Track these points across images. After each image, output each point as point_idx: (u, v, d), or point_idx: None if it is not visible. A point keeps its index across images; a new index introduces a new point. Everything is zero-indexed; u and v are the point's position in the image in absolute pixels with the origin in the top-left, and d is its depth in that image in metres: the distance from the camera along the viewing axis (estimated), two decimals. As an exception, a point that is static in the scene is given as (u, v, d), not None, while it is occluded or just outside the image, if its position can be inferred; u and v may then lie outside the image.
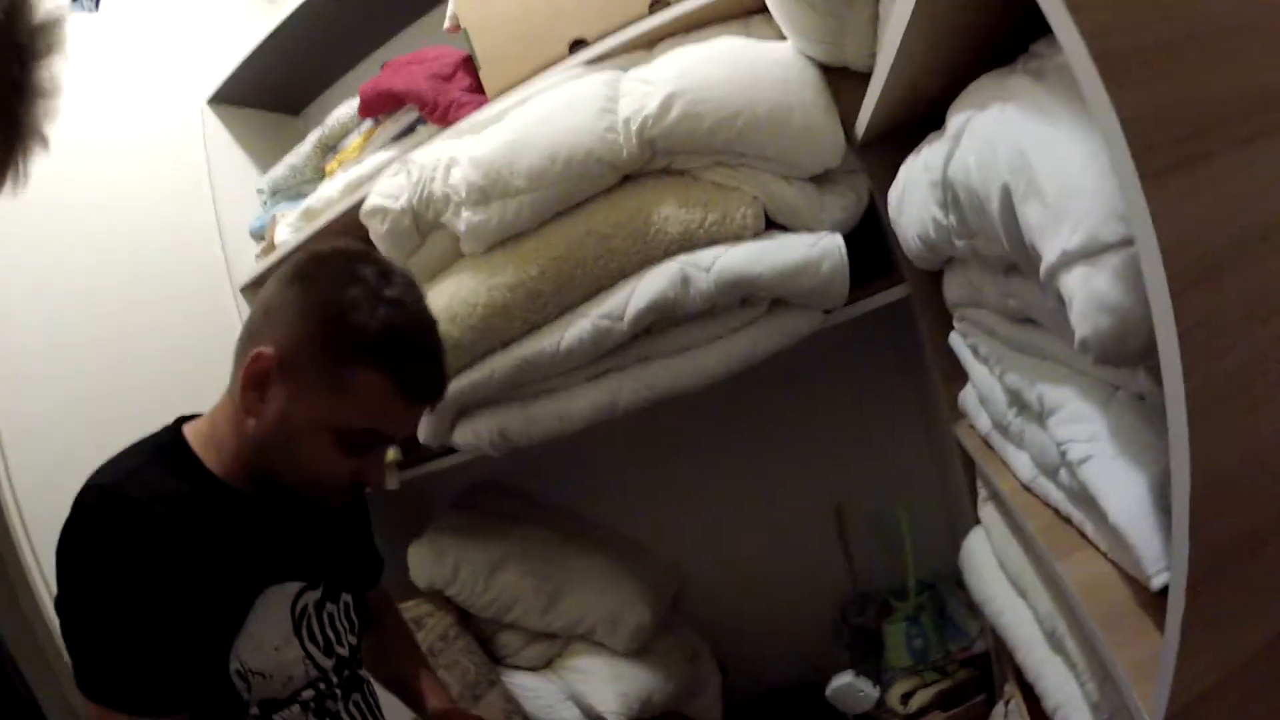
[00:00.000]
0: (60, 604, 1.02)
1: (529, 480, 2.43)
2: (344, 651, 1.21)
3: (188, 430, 1.14)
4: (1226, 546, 0.57)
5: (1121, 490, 0.76)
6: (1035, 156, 0.70)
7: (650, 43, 1.69)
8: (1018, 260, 0.83)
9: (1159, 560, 0.71)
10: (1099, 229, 0.62)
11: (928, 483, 2.11)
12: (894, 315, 1.69)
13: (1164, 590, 0.65)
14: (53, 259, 1.86)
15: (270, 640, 1.09)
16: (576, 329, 1.57)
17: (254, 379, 1.06)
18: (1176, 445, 0.52)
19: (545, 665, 2.09)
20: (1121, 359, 0.63)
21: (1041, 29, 0.58)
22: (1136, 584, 0.79)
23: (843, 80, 1.52)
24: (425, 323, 1.14)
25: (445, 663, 2.04)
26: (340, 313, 1.05)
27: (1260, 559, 0.59)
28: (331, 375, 1.05)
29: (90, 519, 1.01)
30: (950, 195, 0.91)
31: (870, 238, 1.60)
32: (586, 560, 2.12)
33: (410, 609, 1.99)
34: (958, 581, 2.05)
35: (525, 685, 2.00)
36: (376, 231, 1.72)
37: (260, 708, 1.10)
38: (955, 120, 0.91)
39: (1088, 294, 0.62)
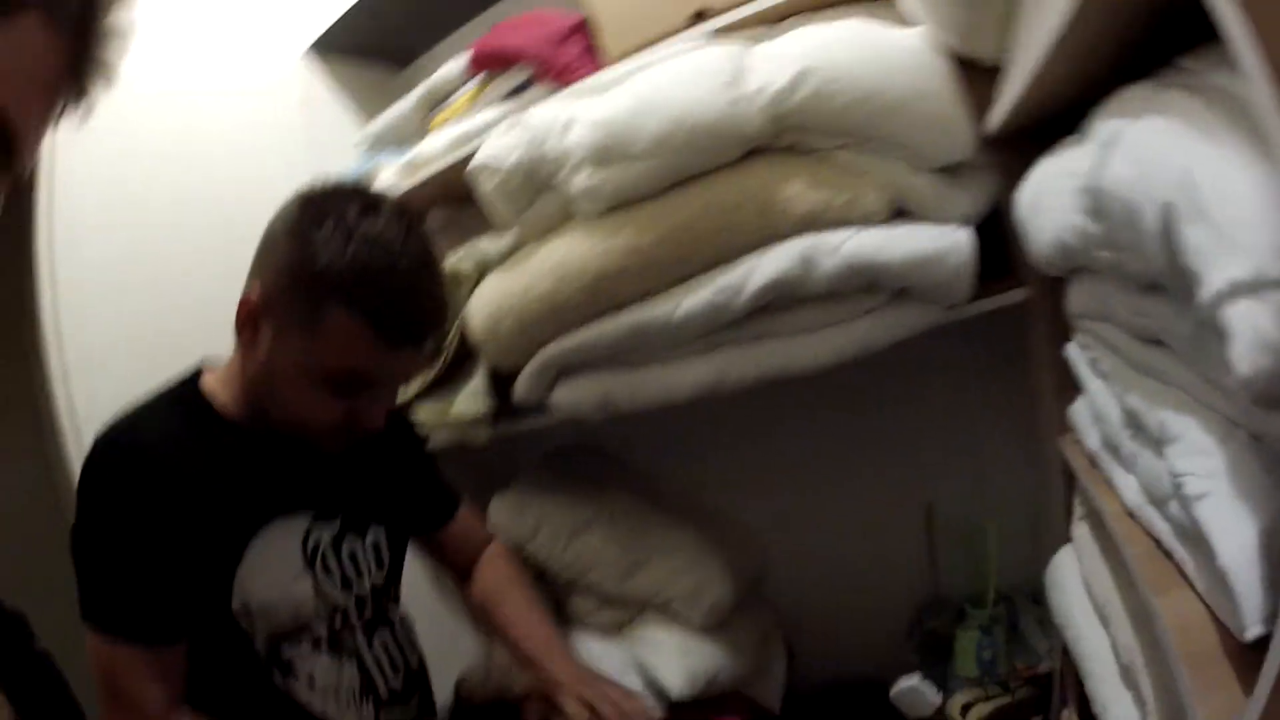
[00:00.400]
0: (74, 536, 1.06)
1: (619, 445, 2.42)
2: (365, 589, 1.21)
3: (208, 373, 1.17)
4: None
5: (1234, 533, 0.73)
6: (1202, 177, 0.66)
7: (776, 19, 1.66)
8: (1163, 280, 0.80)
9: (1258, 611, 0.68)
10: (1268, 263, 0.59)
11: (1020, 493, 2.04)
12: (1006, 319, 1.64)
13: (1256, 643, 0.64)
14: (138, 199, 1.91)
15: (276, 574, 1.10)
16: (692, 300, 1.55)
17: (243, 321, 1.08)
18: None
19: (615, 631, 2.08)
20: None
21: (1183, 43, 0.55)
22: (1228, 633, 0.76)
23: (970, 73, 1.48)
24: (407, 261, 1.07)
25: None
26: (311, 252, 1.03)
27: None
28: (305, 317, 1.04)
29: (102, 459, 1.05)
30: (1098, 204, 0.88)
31: (988, 237, 1.55)
32: (673, 530, 2.10)
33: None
34: (1033, 598, 2.01)
35: (592, 650, 2.00)
36: (484, 188, 1.72)
37: (268, 642, 1.11)
38: (1104, 128, 0.87)
39: (1252, 331, 0.59)
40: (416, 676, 1.33)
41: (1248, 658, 0.71)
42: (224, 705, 1.13)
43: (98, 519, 1.04)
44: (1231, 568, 0.71)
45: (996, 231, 1.52)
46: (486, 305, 1.76)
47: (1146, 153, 0.77)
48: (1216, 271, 0.63)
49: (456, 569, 1.50)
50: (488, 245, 1.85)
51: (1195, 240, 0.67)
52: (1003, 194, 1.48)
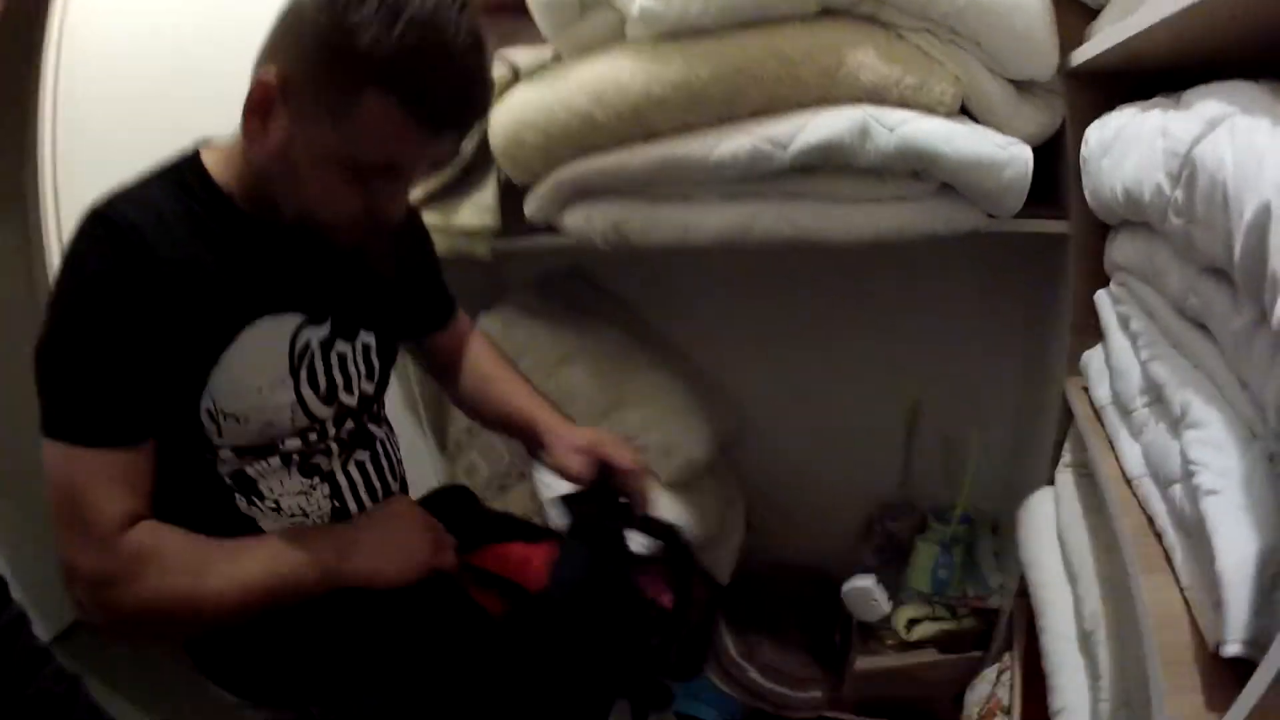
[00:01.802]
0: (44, 328, 0.96)
1: (616, 279, 2.35)
2: (351, 400, 1.14)
3: (207, 152, 1.06)
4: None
5: (1237, 541, 0.72)
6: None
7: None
8: (1230, 270, 0.76)
9: (1241, 630, 0.67)
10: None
11: (1008, 420, 2.05)
12: (1033, 245, 1.61)
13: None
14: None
15: (255, 380, 1.02)
16: (734, 143, 1.49)
17: (255, 106, 0.96)
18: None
19: (578, 472, 2.08)
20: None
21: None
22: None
23: (1064, 5, 1.42)
24: (460, 43, 0.96)
25: (480, 446, 2.04)
26: (350, 32, 0.91)
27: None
28: (338, 103, 0.93)
29: (83, 233, 0.96)
30: (1189, 174, 0.84)
31: (1041, 163, 1.48)
32: (656, 378, 2.06)
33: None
34: (993, 527, 2.03)
35: (554, 487, 1.99)
36: (533, -3, 1.62)
37: (234, 459, 1.05)
38: (1209, 106, 0.84)
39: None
40: None
41: (1220, 666, 0.71)
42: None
43: (64, 304, 0.95)
44: (1228, 576, 0.70)
45: (1046, 160, 1.48)
46: (512, 116, 1.67)
47: (1255, 146, 0.74)
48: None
49: (446, 373, 1.46)
50: (522, 55, 1.75)
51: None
52: (1072, 127, 1.45)
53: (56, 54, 1.60)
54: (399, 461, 1.27)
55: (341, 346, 1.12)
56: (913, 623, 1.80)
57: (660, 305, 2.32)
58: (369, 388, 1.17)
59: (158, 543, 0.96)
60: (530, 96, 1.64)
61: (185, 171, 1.04)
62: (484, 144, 1.76)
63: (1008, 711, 1.48)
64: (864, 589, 1.84)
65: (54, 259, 1.58)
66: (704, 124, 1.53)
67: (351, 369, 1.14)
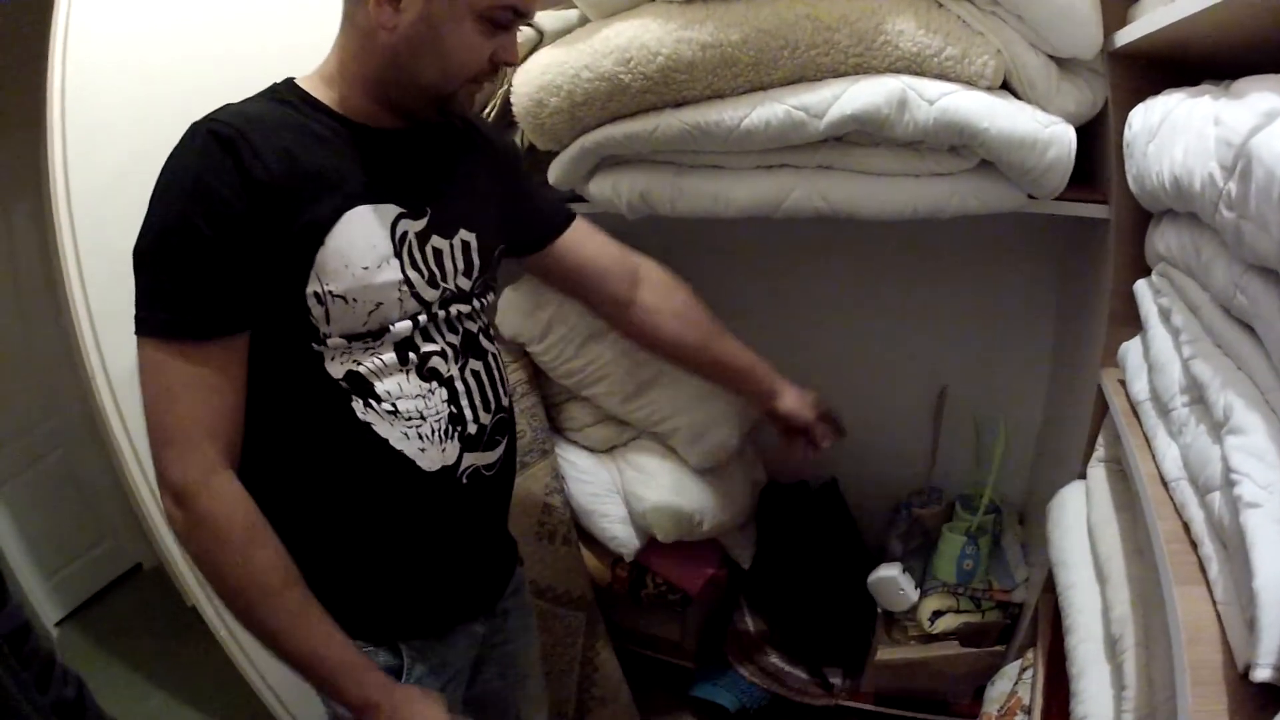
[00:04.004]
0: (142, 227, 1.00)
1: (646, 251, 2.31)
2: (451, 286, 1.16)
3: (299, 79, 1.12)
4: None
5: (1276, 560, 0.68)
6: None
7: None
8: None
9: (1273, 654, 0.64)
10: None
11: (1038, 408, 2.00)
12: (1070, 230, 1.58)
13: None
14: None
15: (360, 259, 1.04)
16: (766, 110, 1.45)
17: None
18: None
19: (605, 451, 2.04)
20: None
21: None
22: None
23: None
24: None
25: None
26: None
27: None
28: None
29: (175, 149, 1.00)
30: (1244, 166, 0.79)
31: (1079, 145, 1.43)
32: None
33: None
34: (1020, 518, 1.99)
35: (578, 465, 1.97)
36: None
37: (345, 341, 1.06)
38: (1265, 98, 0.81)
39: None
40: (506, 422, 1.27)
41: (1251, 688, 0.67)
42: (293, 452, 1.10)
43: (160, 192, 0.99)
44: (1264, 596, 0.66)
45: (1083, 142, 1.42)
46: (536, 78, 1.62)
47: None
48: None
49: (587, 284, 1.46)
50: (548, 17, 1.71)
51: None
52: (1115, 110, 1.40)
53: (64, 41, 1.58)
54: (506, 380, 1.28)
55: (438, 241, 1.15)
56: (936, 614, 1.76)
57: (693, 280, 2.26)
58: (465, 283, 1.18)
59: (228, 525, 1.00)
60: (555, 59, 1.60)
61: (279, 90, 1.11)
62: (506, 108, 1.72)
63: (1028, 711, 1.44)
64: (890, 578, 1.80)
65: (66, 242, 1.58)
66: (734, 90, 1.49)
67: (448, 263, 1.16)
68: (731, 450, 1.94)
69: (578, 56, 1.56)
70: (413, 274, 1.09)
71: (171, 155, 1.00)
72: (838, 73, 1.42)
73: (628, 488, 1.93)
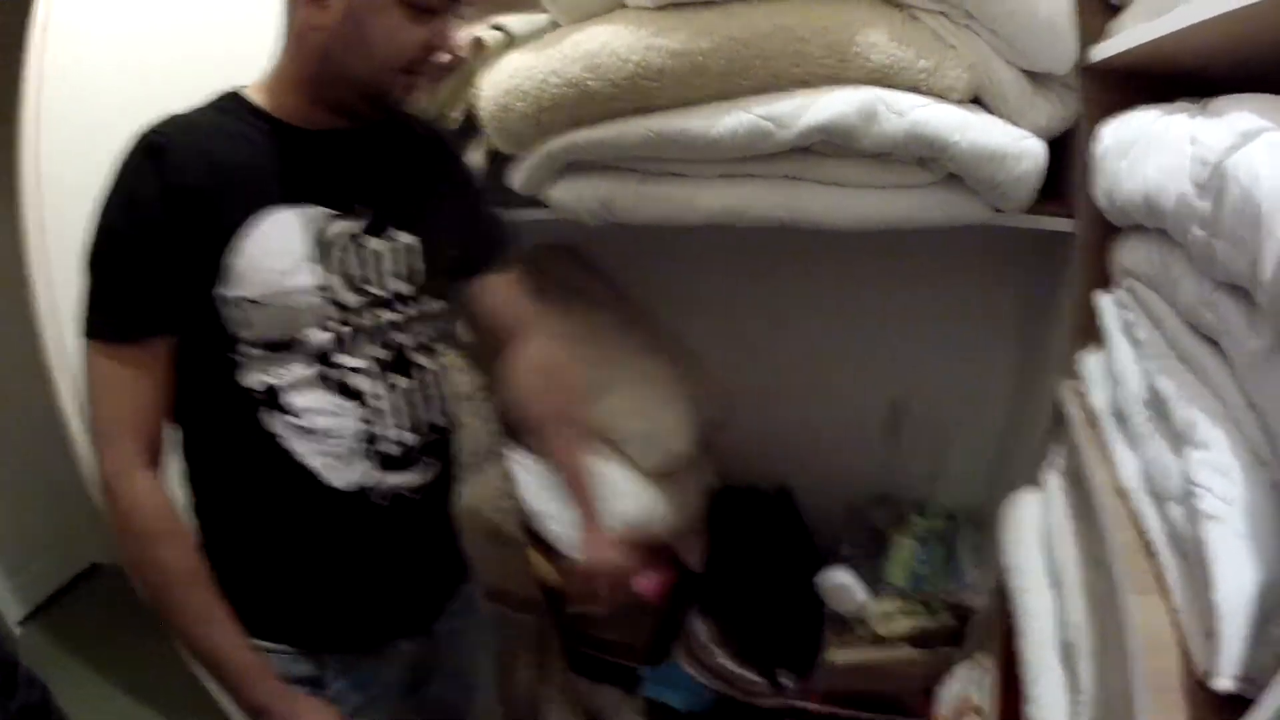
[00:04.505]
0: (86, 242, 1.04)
1: (604, 256, 2.30)
2: (380, 292, 1.14)
3: (241, 88, 1.13)
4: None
5: (1237, 571, 0.69)
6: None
7: None
8: (1253, 289, 0.73)
9: (1235, 664, 0.66)
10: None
11: (996, 416, 2.02)
12: (1041, 244, 1.58)
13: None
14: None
15: (273, 263, 1.05)
16: (734, 120, 1.45)
17: None
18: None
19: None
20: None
21: None
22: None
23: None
24: None
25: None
26: None
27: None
28: None
29: (119, 159, 1.03)
30: (1218, 186, 0.80)
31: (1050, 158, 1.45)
32: (644, 364, 2.02)
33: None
34: (975, 523, 2.01)
35: (529, 467, 1.96)
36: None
37: (260, 351, 1.07)
38: (1242, 117, 0.81)
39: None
40: (440, 443, 1.24)
41: (1207, 695, 0.69)
42: (203, 456, 1.13)
43: (100, 204, 1.03)
44: (1225, 608, 0.67)
45: (1050, 156, 1.44)
46: (503, 82, 1.62)
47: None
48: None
49: (491, 332, 1.42)
50: (517, 21, 1.70)
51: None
52: (1085, 123, 1.41)
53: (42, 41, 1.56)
54: (445, 401, 1.25)
55: (376, 244, 1.14)
56: (887, 617, 1.78)
57: (651, 283, 2.27)
58: (402, 287, 1.17)
59: (140, 520, 1.03)
60: (523, 63, 1.60)
61: (221, 96, 1.12)
62: (471, 112, 1.71)
63: (979, 712, 1.46)
64: (842, 584, 1.82)
65: (38, 253, 1.58)
66: (703, 99, 1.49)
67: (385, 266, 1.15)
68: (681, 458, 1.94)
69: (546, 62, 1.56)
70: (333, 278, 1.09)
71: (116, 164, 1.04)
72: (809, 84, 1.43)
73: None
